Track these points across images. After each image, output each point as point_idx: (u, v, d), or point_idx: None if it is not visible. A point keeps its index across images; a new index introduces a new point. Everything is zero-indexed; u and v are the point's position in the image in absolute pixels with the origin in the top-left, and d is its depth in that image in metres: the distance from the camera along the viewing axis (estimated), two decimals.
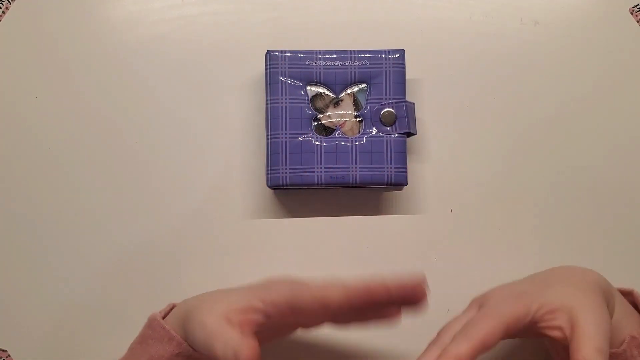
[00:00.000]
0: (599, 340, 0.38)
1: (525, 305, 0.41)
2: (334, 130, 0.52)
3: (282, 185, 0.51)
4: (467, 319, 0.43)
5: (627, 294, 0.48)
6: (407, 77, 0.53)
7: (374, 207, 0.55)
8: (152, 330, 0.46)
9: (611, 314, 0.45)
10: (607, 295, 0.44)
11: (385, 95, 0.52)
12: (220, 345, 0.40)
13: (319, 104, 0.53)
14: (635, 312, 0.47)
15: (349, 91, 0.53)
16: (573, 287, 0.43)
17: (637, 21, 0.57)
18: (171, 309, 0.49)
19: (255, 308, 0.42)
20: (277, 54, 0.52)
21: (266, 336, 0.47)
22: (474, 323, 0.41)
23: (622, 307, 0.46)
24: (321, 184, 0.51)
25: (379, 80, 0.53)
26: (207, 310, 0.43)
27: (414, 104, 0.53)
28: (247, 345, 0.39)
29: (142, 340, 0.46)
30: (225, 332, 0.40)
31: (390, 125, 0.52)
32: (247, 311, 0.42)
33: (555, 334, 0.41)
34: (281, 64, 0.52)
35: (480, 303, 0.45)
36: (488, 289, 0.47)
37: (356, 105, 0.53)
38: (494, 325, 0.40)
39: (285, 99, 0.52)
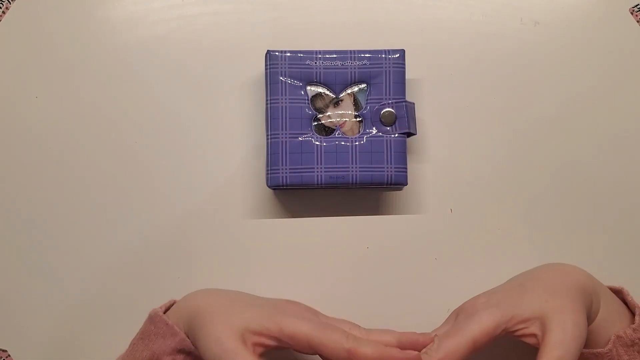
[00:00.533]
0: (563, 348, 0.40)
1: (496, 319, 0.43)
2: (334, 130, 0.52)
3: (282, 185, 0.51)
4: (444, 331, 0.45)
5: (617, 292, 0.48)
6: (407, 77, 0.53)
7: (374, 207, 0.55)
8: (155, 325, 0.46)
9: (595, 314, 0.46)
10: (589, 296, 0.45)
11: (385, 95, 0.52)
12: None
13: (319, 104, 0.53)
14: (624, 310, 0.47)
15: (349, 91, 0.53)
16: (549, 293, 0.44)
17: (637, 21, 0.57)
18: (171, 305, 0.49)
19: (270, 333, 0.43)
20: (277, 54, 0.52)
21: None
22: (443, 338, 0.43)
23: (610, 305, 0.47)
24: (321, 184, 0.51)
25: (379, 80, 0.52)
26: (223, 326, 0.43)
27: (414, 104, 0.53)
28: None
29: (144, 336, 0.46)
30: (241, 355, 0.41)
31: (390, 125, 0.52)
32: (261, 334, 0.43)
33: (531, 340, 0.43)
34: (281, 64, 0.52)
35: (457, 314, 0.47)
36: (469, 299, 0.48)
37: (356, 105, 0.53)
38: (459, 341, 0.42)
39: (285, 99, 0.52)
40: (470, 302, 0.47)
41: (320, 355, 0.43)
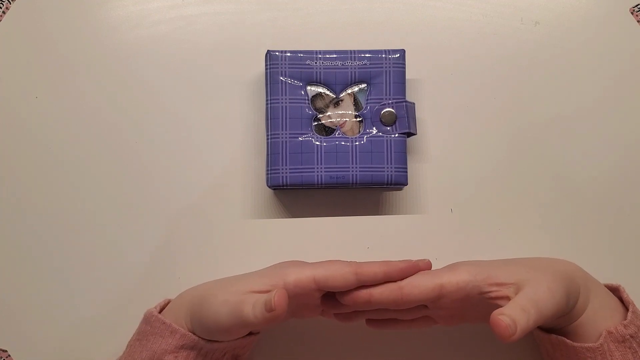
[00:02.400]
0: (530, 301, 0.41)
1: (471, 274, 0.44)
2: (334, 130, 0.52)
3: (282, 185, 0.51)
4: None
5: (614, 290, 0.48)
6: (407, 77, 0.53)
7: (374, 207, 0.55)
8: (150, 326, 0.46)
9: (582, 308, 0.46)
10: (574, 286, 0.45)
11: (386, 95, 0.52)
12: (248, 306, 0.41)
13: (319, 104, 0.53)
14: (618, 306, 0.47)
15: (349, 91, 0.53)
16: (531, 268, 0.45)
17: (637, 21, 0.57)
18: (166, 304, 0.49)
19: (275, 289, 0.43)
20: (277, 54, 0.52)
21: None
22: (418, 274, 0.45)
23: (602, 301, 0.47)
24: (321, 184, 0.51)
25: (379, 80, 0.53)
26: (227, 293, 0.44)
27: (414, 104, 0.53)
28: (277, 292, 0.40)
29: (141, 336, 0.46)
30: (252, 296, 0.42)
31: (391, 125, 0.52)
32: (266, 292, 0.43)
33: (503, 303, 0.43)
34: (281, 64, 0.52)
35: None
36: None
37: (356, 105, 0.53)
38: (428, 280, 0.44)
39: (285, 99, 0.52)
40: (459, 262, 0.49)
41: (329, 289, 0.45)
